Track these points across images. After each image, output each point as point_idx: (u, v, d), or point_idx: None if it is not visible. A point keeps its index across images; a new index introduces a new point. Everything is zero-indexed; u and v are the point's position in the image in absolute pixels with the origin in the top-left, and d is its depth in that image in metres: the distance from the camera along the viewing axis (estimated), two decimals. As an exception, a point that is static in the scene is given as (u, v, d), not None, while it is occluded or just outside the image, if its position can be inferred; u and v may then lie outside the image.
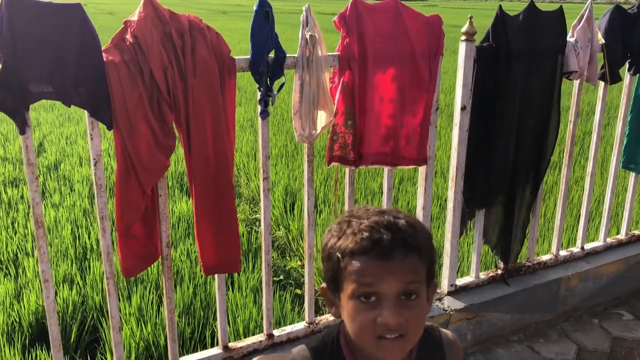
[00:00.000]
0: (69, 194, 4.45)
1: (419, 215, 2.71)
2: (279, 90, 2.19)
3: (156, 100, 1.91)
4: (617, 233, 3.53)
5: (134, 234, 2.06)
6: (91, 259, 3.33)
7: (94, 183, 1.96)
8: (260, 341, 2.40)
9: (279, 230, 4.18)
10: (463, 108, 2.64)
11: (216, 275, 2.27)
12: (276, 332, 2.44)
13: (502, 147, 2.81)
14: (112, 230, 2.09)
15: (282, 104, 7.85)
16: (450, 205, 2.79)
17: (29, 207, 4.11)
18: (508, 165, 2.86)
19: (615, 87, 3.13)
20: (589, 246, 3.35)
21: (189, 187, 2.11)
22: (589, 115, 6.74)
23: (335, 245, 1.02)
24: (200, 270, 2.20)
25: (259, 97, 2.13)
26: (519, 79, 2.71)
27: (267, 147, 2.21)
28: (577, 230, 3.39)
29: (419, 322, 1.02)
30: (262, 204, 2.27)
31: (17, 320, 2.74)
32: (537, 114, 2.85)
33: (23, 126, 1.75)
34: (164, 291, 2.18)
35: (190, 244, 3.56)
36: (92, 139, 1.90)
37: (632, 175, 3.35)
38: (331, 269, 1.04)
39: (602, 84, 3.05)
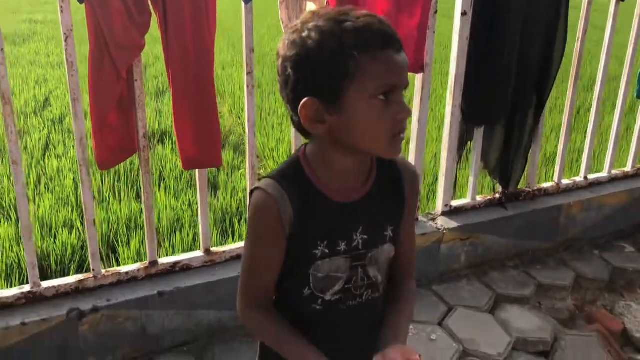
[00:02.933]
0: (73, 146, 4.44)
1: (414, 129, 2.59)
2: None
3: (130, -28, 1.80)
4: (624, 167, 3.40)
5: (110, 124, 1.97)
6: (95, 207, 3.29)
7: (65, 60, 1.85)
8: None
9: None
10: (464, 14, 2.50)
11: (197, 176, 2.18)
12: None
13: (505, 60, 2.66)
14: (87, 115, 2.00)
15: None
16: (447, 120, 2.67)
17: (31, 157, 4.09)
18: (511, 80, 2.72)
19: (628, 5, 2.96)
20: (592, 177, 3.23)
21: (167, 77, 2.00)
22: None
23: (332, 43, 0.91)
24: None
25: (242, -21, 2.00)
26: (525, -13, 2.55)
27: (251, 38, 2.09)
28: (581, 161, 3.25)
29: None
30: (246, 101, 2.16)
31: (17, 261, 2.73)
32: (543, 27, 2.70)
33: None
34: (142, 184, 2.09)
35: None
36: (62, 12, 1.80)
37: (642, 104, 3.20)
38: (327, 71, 0.93)
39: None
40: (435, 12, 2.41)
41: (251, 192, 1.03)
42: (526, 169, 2.97)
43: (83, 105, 1.95)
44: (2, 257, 2.70)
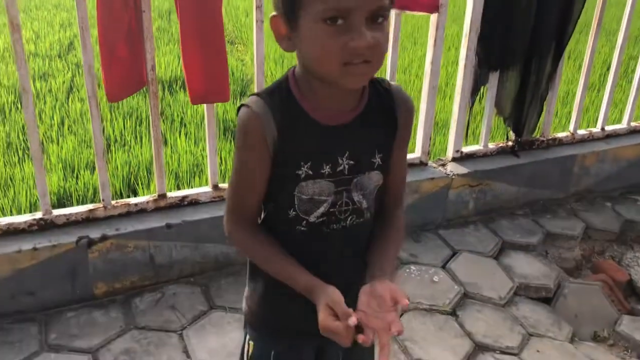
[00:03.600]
0: (97, 90, 4.46)
1: (427, 70, 2.55)
2: None
3: None
4: (644, 119, 3.32)
5: (118, 55, 1.97)
6: (114, 150, 3.34)
7: (72, -11, 1.85)
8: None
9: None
10: (482, -48, 2.42)
11: (205, 113, 2.19)
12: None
13: (523, 6, 2.58)
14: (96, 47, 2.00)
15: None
16: (461, 63, 2.62)
17: (55, 99, 4.13)
18: (528, 26, 2.65)
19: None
20: (610, 128, 3.16)
21: (175, 8, 1.98)
22: None
23: None
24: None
25: None
26: None
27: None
28: (599, 112, 3.19)
29: (384, 50, 0.94)
30: (255, 36, 2.14)
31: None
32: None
33: None
34: (151, 119, 2.12)
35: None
36: (68, -63, 1.77)
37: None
38: None
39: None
40: (453, -51, 2.33)
41: (238, 108, 1.03)
42: (541, 116, 2.92)
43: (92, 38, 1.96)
44: (26, 194, 2.77)
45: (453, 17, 5.66)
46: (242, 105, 1.02)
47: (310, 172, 1.02)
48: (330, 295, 0.98)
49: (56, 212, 2.09)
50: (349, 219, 1.07)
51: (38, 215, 2.07)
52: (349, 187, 1.05)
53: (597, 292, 2.48)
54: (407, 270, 2.45)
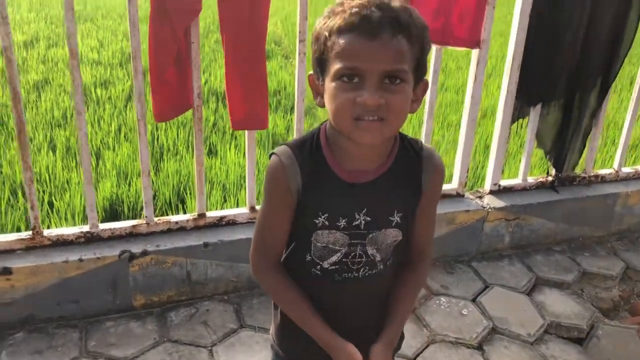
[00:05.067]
0: None
1: (467, 104, 2.58)
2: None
3: (191, -62, 1.88)
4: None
5: (167, 80, 2.10)
6: (166, 159, 3.48)
7: (128, 20, 1.98)
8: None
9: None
10: (527, -11, 2.43)
11: (246, 136, 2.28)
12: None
13: (568, 40, 2.58)
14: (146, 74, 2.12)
15: None
16: (502, 96, 2.63)
17: (114, 107, 4.32)
18: (573, 63, 2.64)
19: None
20: (657, 166, 3.10)
21: (221, 39, 2.09)
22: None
23: (324, 25, 0.99)
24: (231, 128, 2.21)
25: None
26: (597, -37, 2.45)
27: (306, 6, 2.14)
28: (647, 149, 3.12)
29: (400, 109, 0.99)
30: (297, 68, 2.22)
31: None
32: (613, 5, 2.58)
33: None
34: (194, 142, 2.22)
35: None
36: (126, -27, 1.91)
37: None
38: (318, 51, 1.00)
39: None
40: (497, -14, 2.36)
41: (270, 155, 1.11)
42: (584, 153, 2.89)
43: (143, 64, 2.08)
44: (81, 199, 2.92)
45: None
46: (272, 153, 1.10)
47: (327, 223, 1.08)
48: (350, 356, 1.06)
49: (102, 226, 2.22)
50: (361, 270, 1.13)
51: (85, 228, 2.20)
52: (364, 241, 1.10)
53: (634, 336, 2.43)
54: (437, 301, 2.47)
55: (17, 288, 2.08)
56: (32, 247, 2.14)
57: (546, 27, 2.52)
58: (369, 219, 1.09)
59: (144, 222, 2.26)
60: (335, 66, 0.97)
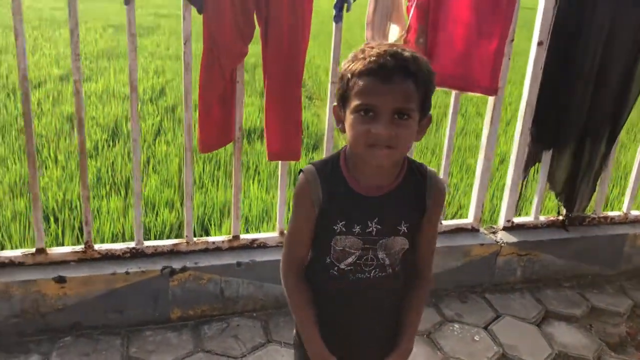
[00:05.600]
0: (182, 134, 4.86)
1: (483, 145, 2.79)
2: (355, -1, 2.35)
3: (242, -8, 2.16)
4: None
5: (213, 115, 2.35)
6: (193, 190, 3.69)
7: (182, 60, 2.25)
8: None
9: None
10: (540, 43, 2.67)
11: (280, 166, 2.52)
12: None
13: (578, 90, 2.79)
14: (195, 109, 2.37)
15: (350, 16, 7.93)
16: (515, 141, 2.84)
17: (144, 140, 4.57)
18: (583, 111, 2.84)
19: None
20: (665, 210, 3.25)
21: (263, 80, 2.35)
22: None
23: (348, 68, 1.22)
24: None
25: (335, 2, 2.31)
26: (605, 20, 2.67)
27: (339, 50, 2.40)
28: (656, 194, 3.28)
29: (406, 139, 1.22)
30: (328, 108, 2.46)
31: (122, 232, 3.16)
32: (622, 59, 2.79)
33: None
34: (234, 169, 2.46)
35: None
36: (184, 19, 2.20)
37: None
38: (342, 88, 1.24)
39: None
40: (512, 40, 2.59)
41: (299, 172, 1.35)
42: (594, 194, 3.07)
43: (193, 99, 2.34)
44: (110, 225, 3.14)
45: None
46: (301, 170, 1.33)
47: (344, 229, 1.30)
48: None
49: (147, 243, 2.45)
50: (372, 272, 1.34)
51: (132, 244, 2.43)
52: (375, 246, 1.32)
53: (638, 370, 2.55)
54: (451, 328, 2.63)
55: (69, 295, 2.30)
56: (84, 259, 2.37)
57: (558, 78, 2.74)
58: (379, 227, 1.30)
59: (185, 241, 2.48)
60: (355, 102, 1.19)
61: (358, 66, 1.19)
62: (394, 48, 1.20)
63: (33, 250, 2.31)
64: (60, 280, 2.27)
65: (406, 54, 1.20)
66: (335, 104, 1.29)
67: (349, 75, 1.21)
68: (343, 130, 1.27)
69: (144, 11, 12.89)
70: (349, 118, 1.22)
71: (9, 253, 2.31)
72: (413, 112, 1.20)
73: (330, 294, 1.37)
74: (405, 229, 1.33)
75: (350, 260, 1.33)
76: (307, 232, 1.35)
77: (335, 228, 1.30)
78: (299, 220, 1.35)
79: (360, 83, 1.18)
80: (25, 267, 2.30)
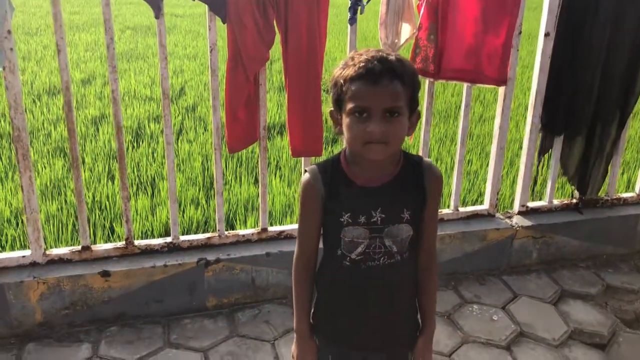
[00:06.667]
0: (203, 133, 5.05)
1: (496, 134, 2.92)
2: (368, 1, 2.49)
3: (262, 1, 2.31)
4: None
5: (239, 117, 2.51)
6: (216, 188, 3.83)
7: (209, 68, 2.42)
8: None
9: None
10: (547, 34, 2.78)
11: (302, 162, 2.67)
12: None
13: (587, 79, 2.89)
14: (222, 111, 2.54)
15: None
16: (527, 128, 2.96)
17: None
18: (592, 99, 2.94)
19: None
20: (678, 190, 3.34)
21: (284, 81, 2.51)
22: None
23: (340, 75, 1.35)
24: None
25: (349, 5, 2.45)
26: (610, 10, 2.77)
27: (355, 48, 2.54)
28: (668, 174, 3.37)
29: (398, 134, 1.34)
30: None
31: (151, 229, 3.32)
32: (628, 46, 2.89)
33: (158, 12, 2.24)
34: (259, 167, 2.63)
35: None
36: (209, 29, 2.36)
37: None
38: (336, 93, 1.37)
39: None
40: (520, 32, 2.71)
41: (304, 172, 1.49)
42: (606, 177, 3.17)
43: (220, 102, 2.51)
44: (139, 224, 3.32)
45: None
46: (305, 170, 1.48)
47: (350, 220, 1.42)
48: (309, 349, 1.54)
49: (182, 237, 2.63)
50: (381, 259, 1.46)
51: (169, 239, 2.62)
52: (381, 234, 1.44)
53: (652, 344, 2.67)
54: (470, 308, 2.77)
55: (113, 288, 2.50)
56: (126, 254, 2.56)
57: (566, 67, 2.85)
58: (383, 215, 1.42)
59: (217, 234, 2.66)
60: (349, 105, 1.31)
61: (349, 72, 1.32)
62: (380, 53, 1.33)
63: (79, 247, 2.51)
64: (105, 274, 2.46)
65: (391, 58, 1.33)
66: (331, 108, 1.42)
67: (342, 81, 1.34)
68: (340, 132, 1.40)
69: (160, 12, 13.04)
70: (345, 120, 1.35)
71: (58, 251, 2.51)
72: (402, 110, 1.33)
73: (344, 285, 1.48)
74: (408, 216, 1.44)
75: (359, 249, 1.44)
76: (314, 228, 1.48)
77: (342, 220, 1.42)
78: (306, 216, 1.48)
79: (353, 88, 1.31)
80: (73, 263, 2.49)
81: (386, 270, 1.47)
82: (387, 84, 1.30)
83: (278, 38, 2.43)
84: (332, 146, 4.69)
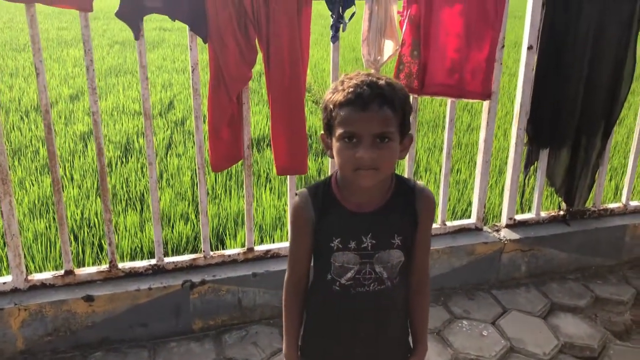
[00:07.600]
0: (192, 147, 5.02)
1: (480, 147, 2.91)
2: (350, 19, 2.49)
3: (243, 20, 2.30)
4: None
5: (222, 137, 2.49)
6: (207, 202, 3.83)
7: (191, 87, 2.40)
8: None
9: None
10: (530, 47, 2.79)
11: (288, 180, 2.65)
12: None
13: (570, 91, 2.90)
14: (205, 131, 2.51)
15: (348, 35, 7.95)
16: (512, 141, 2.96)
17: (156, 154, 4.66)
18: (576, 111, 2.95)
19: None
20: (664, 200, 3.35)
21: (267, 99, 2.49)
22: None
23: (330, 99, 1.34)
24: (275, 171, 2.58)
25: (331, 23, 2.44)
26: (592, 21, 2.78)
27: (337, 69, 2.53)
28: (654, 184, 3.38)
29: (389, 160, 1.33)
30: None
31: (140, 246, 3.28)
32: (610, 59, 2.90)
33: (137, 33, 2.21)
34: (244, 186, 2.61)
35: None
36: (191, 49, 2.34)
37: None
38: (326, 118, 1.36)
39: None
40: (502, 46, 2.71)
41: (295, 194, 1.48)
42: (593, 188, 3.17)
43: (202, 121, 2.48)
44: (128, 241, 3.27)
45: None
46: (295, 193, 1.46)
47: (340, 245, 1.41)
48: None
49: (167, 259, 2.60)
50: (371, 285, 1.44)
51: (153, 261, 2.58)
52: (372, 260, 1.42)
53: (642, 356, 2.65)
54: (460, 324, 2.75)
55: (97, 313, 2.45)
56: (110, 277, 2.52)
57: (550, 79, 2.85)
58: (374, 241, 1.41)
59: (202, 255, 2.63)
60: (339, 130, 1.30)
61: (338, 97, 1.31)
62: (370, 78, 1.32)
63: (62, 272, 2.47)
64: (89, 299, 2.42)
65: (381, 82, 1.31)
66: (322, 132, 1.41)
67: (331, 106, 1.32)
68: (331, 156, 1.38)
69: (148, 25, 13.06)
70: (335, 145, 1.34)
71: (40, 276, 2.47)
72: (393, 135, 1.30)
73: (334, 310, 1.47)
74: (399, 241, 1.43)
75: (349, 275, 1.43)
76: (305, 251, 1.46)
77: (332, 245, 1.41)
78: (296, 240, 1.47)
79: (342, 113, 1.29)
80: (56, 288, 2.45)
81: (376, 296, 1.45)
82: (377, 109, 1.28)
83: (260, 57, 2.42)
84: (321, 158, 4.67)
